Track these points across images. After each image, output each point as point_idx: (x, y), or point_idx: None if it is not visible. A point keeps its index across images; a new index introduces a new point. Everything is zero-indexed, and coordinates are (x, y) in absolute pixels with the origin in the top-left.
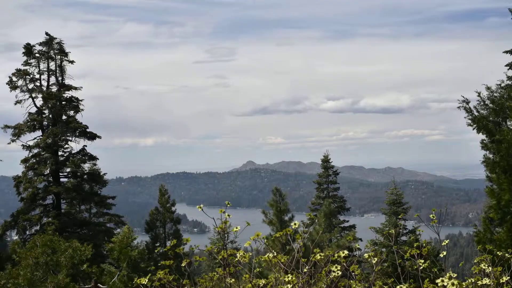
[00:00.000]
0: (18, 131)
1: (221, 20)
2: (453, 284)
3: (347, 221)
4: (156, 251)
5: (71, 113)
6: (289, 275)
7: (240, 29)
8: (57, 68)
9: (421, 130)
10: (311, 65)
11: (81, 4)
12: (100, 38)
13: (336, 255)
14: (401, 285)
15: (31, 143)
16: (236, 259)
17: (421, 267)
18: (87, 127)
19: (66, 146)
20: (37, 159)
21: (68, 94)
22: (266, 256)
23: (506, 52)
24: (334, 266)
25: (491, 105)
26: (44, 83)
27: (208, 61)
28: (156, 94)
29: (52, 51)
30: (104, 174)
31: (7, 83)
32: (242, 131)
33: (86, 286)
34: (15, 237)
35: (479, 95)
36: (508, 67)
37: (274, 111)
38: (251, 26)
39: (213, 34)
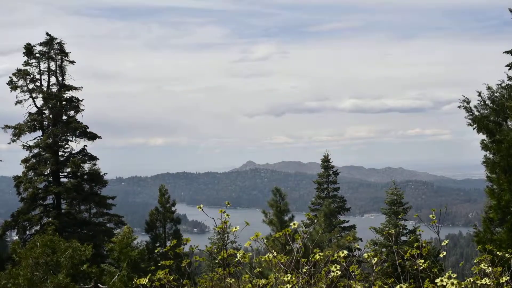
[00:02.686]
0: (18, 131)
1: (288, 22)
2: (452, 284)
3: (347, 221)
4: (156, 251)
5: (72, 113)
6: (289, 275)
7: (301, 31)
8: (58, 68)
9: (432, 129)
10: (354, 67)
11: (168, 9)
12: (173, 40)
13: (336, 255)
14: (401, 285)
15: (31, 143)
16: (236, 259)
17: (421, 267)
18: (87, 127)
19: (66, 146)
20: (37, 159)
21: (68, 94)
22: (266, 256)
23: (506, 52)
24: (333, 266)
25: (491, 105)
26: (45, 83)
27: (252, 61)
28: (184, 94)
29: (52, 51)
30: (104, 174)
31: (7, 83)
32: (249, 132)
33: (86, 286)
34: (15, 237)
35: (479, 95)
36: (508, 67)
37: (290, 111)
38: (311, 29)
39: (275, 36)
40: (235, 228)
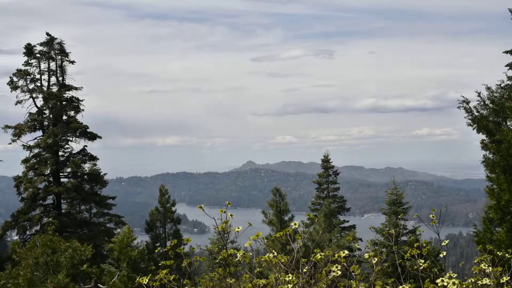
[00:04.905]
0: (18, 131)
1: (339, 24)
2: (454, 284)
3: (347, 221)
4: (156, 251)
5: (72, 113)
6: (289, 275)
7: (349, 30)
8: (58, 68)
9: (443, 129)
10: (388, 68)
11: (229, 11)
12: (234, 43)
13: (336, 255)
14: (403, 286)
15: (31, 143)
16: (236, 259)
17: (421, 267)
18: (88, 127)
19: (67, 146)
20: (38, 159)
21: (68, 94)
22: (266, 256)
23: (506, 52)
24: (334, 266)
25: (491, 105)
26: (45, 83)
27: (286, 60)
28: (208, 94)
29: (52, 51)
30: (105, 174)
31: (8, 83)
32: (255, 131)
33: (86, 286)
34: (15, 237)
35: (479, 95)
36: (508, 67)
37: (303, 111)
38: (356, 28)
39: (323, 37)
40: (238, 228)
